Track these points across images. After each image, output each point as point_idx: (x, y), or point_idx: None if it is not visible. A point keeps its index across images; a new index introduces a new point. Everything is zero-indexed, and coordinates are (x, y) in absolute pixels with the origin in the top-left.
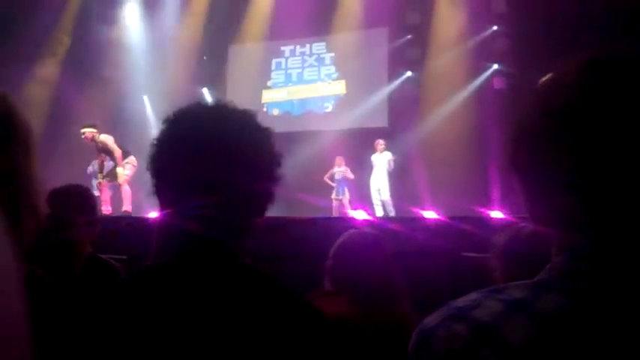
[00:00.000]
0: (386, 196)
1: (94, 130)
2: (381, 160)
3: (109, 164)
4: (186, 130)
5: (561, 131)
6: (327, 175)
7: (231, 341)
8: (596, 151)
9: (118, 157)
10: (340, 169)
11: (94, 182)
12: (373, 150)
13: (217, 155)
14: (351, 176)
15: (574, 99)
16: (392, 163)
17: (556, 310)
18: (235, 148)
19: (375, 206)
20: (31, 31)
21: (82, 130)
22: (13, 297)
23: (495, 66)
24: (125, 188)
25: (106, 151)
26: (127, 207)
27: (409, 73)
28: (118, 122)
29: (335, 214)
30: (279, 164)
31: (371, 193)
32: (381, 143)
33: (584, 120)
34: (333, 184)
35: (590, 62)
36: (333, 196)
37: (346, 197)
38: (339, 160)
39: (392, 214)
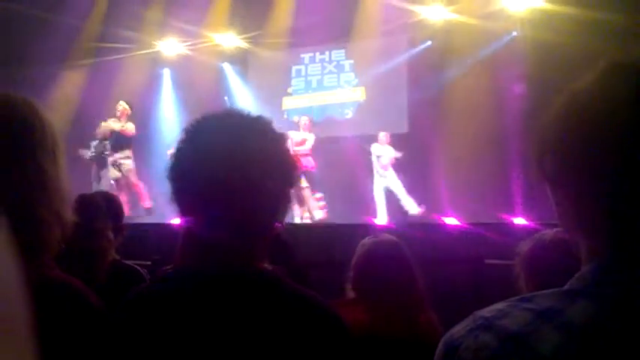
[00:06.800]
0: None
1: (129, 110)
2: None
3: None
4: (203, 139)
5: (585, 137)
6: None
7: (246, 347)
8: (621, 155)
9: (130, 151)
10: None
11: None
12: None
13: (234, 161)
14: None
15: (595, 104)
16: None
17: (585, 318)
18: (251, 153)
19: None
20: (59, 33)
21: (122, 103)
22: (16, 303)
23: (516, 71)
24: (140, 184)
25: (121, 139)
26: (148, 203)
27: (429, 79)
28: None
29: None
30: (295, 167)
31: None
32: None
33: (606, 124)
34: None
35: (609, 67)
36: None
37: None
38: None
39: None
